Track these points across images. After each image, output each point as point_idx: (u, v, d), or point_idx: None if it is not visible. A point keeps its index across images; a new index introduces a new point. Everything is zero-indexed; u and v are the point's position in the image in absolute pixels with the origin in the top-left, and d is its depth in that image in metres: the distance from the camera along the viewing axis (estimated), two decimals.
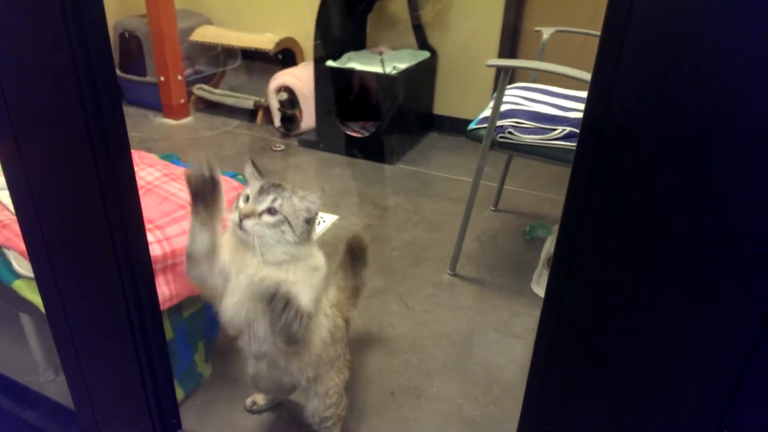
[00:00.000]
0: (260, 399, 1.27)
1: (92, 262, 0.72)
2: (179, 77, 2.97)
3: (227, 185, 1.43)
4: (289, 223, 0.88)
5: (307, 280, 0.91)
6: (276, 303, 0.81)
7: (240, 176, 1.52)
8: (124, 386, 0.82)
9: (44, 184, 0.70)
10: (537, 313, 1.58)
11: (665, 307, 0.49)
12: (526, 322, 1.57)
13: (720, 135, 0.42)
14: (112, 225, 0.67)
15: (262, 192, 0.89)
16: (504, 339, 1.50)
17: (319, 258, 0.97)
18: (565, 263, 0.53)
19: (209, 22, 3.24)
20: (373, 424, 1.24)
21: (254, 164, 0.96)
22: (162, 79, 2.94)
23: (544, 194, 2.31)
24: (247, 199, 0.90)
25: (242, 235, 0.86)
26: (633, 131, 0.45)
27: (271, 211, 0.87)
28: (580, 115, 1.61)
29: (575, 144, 1.64)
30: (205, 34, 3.10)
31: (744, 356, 0.48)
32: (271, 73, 3.08)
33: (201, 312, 1.34)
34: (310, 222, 0.92)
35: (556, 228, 2.02)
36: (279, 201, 0.88)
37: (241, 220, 0.86)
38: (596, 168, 0.48)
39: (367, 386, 1.34)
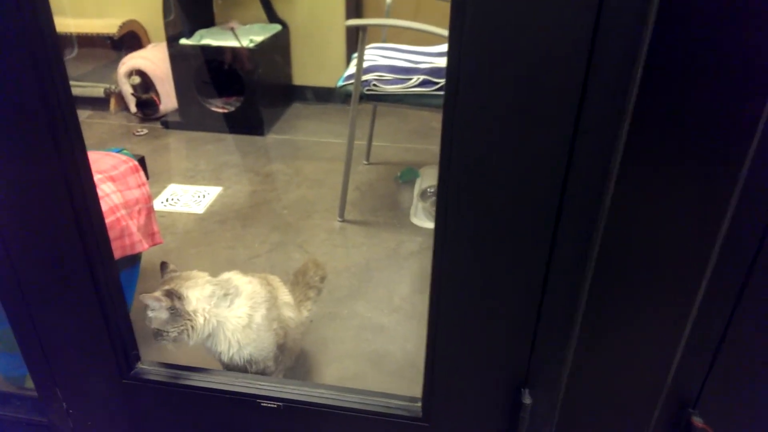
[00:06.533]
0: None
1: (47, 212, 0.80)
2: None
3: (116, 159, 1.47)
4: (163, 331, 0.99)
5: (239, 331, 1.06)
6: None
7: (125, 151, 1.56)
8: (82, 327, 0.90)
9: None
10: (418, 239, 1.86)
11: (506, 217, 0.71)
12: (410, 247, 1.82)
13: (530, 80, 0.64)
14: (67, 175, 0.76)
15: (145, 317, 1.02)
16: (394, 262, 1.74)
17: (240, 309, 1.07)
18: (445, 188, 0.69)
19: None
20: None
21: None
22: None
23: (407, 145, 2.58)
24: None
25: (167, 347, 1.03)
26: (480, 82, 0.62)
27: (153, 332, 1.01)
28: (429, 65, 1.87)
29: (429, 89, 1.92)
30: None
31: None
32: (114, 58, 2.98)
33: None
34: (173, 311, 0.99)
35: (423, 170, 2.31)
36: (148, 321, 1.00)
37: None
38: (458, 108, 0.63)
39: None
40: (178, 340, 1.00)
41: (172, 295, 0.98)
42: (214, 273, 1.72)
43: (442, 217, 0.72)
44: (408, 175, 2.29)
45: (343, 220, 1.97)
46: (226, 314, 1.04)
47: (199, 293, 1.02)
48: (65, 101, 0.76)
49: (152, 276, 1.67)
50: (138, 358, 0.96)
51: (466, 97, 0.63)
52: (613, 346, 0.76)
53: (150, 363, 0.96)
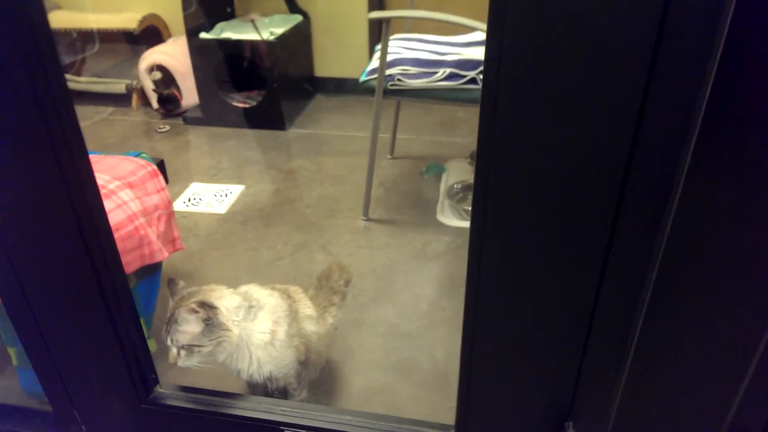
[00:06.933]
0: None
1: (52, 230, 0.75)
2: None
3: (134, 164, 1.43)
4: (196, 346, 0.93)
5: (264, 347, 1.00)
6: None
7: (144, 155, 1.52)
8: (96, 350, 0.86)
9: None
10: (445, 238, 1.79)
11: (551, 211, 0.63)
12: (436, 247, 1.75)
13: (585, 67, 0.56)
14: (69, 188, 0.71)
15: (166, 336, 0.95)
16: (422, 264, 1.68)
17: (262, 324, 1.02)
18: (483, 187, 0.62)
19: (58, 7, 2.99)
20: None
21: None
22: None
23: (432, 138, 2.50)
24: None
25: (192, 367, 0.95)
26: (524, 71, 0.54)
27: (180, 350, 0.93)
28: (456, 57, 1.79)
29: (456, 83, 1.82)
30: (56, 20, 2.87)
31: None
32: (136, 53, 2.95)
33: (134, 292, 1.36)
34: (209, 322, 0.94)
35: (449, 164, 2.23)
36: (176, 338, 0.93)
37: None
38: (498, 102, 0.56)
39: None
40: (213, 354, 0.95)
41: (205, 305, 0.93)
42: (238, 277, 1.69)
43: (478, 225, 0.64)
44: (433, 170, 2.21)
45: (368, 219, 1.91)
46: (252, 328, 0.99)
47: (228, 303, 0.97)
48: (61, 101, 0.69)
49: None
50: (156, 382, 0.92)
51: (509, 82, 0.55)
52: (670, 378, 0.68)
53: (169, 387, 0.92)
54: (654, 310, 0.64)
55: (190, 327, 0.92)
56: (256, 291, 1.05)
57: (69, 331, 0.86)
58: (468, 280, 0.69)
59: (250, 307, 1.01)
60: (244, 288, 1.06)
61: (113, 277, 0.81)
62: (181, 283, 1.02)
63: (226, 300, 0.98)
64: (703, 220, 0.56)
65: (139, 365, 0.88)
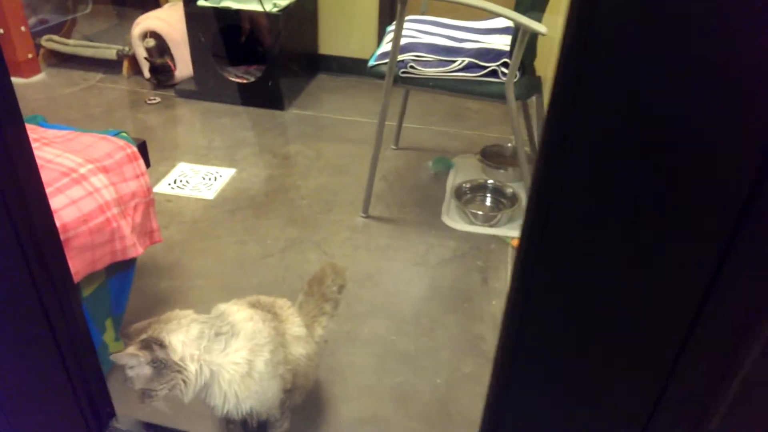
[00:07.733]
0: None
1: None
2: (22, 28, 2.55)
3: (112, 145, 1.27)
4: (151, 390, 0.81)
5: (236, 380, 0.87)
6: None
7: (124, 134, 1.36)
8: (41, 377, 0.72)
9: None
10: (450, 243, 1.64)
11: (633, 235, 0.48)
12: (440, 253, 1.61)
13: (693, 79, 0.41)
14: (9, 197, 0.56)
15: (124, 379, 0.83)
16: (424, 271, 1.54)
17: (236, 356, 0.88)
18: (543, 205, 0.48)
19: None
20: None
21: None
22: (1, 31, 2.51)
23: (441, 128, 2.34)
24: None
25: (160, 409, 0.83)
26: (612, 68, 0.40)
27: (140, 394, 0.81)
28: (475, 45, 1.62)
29: (475, 75, 1.63)
30: None
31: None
32: (130, 17, 2.75)
33: (103, 288, 1.21)
34: (156, 364, 0.80)
35: (457, 160, 2.08)
36: (130, 383, 0.80)
37: None
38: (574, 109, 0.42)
39: None
40: (170, 398, 0.81)
41: (151, 344, 0.78)
42: (222, 273, 1.54)
43: (530, 239, 0.49)
44: (440, 164, 2.06)
45: (367, 216, 1.76)
46: (220, 360, 0.84)
47: (184, 336, 0.82)
48: None
49: (150, 273, 1.50)
50: (112, 415, 0.78)
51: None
52: None
53: (127, 421, 0.78)
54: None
55: (137, 371, 0.79)
56: (235, 312, 0.90)
57: (8, 353, 0.71)
58: (507, 309, 0.54)
59: (218, 334, 0.86)
60: (222, 307, 0.91)
61: (60, 294, 0.67)
62: (135, 326, 0.86)
63: (183, 332, 0.83)
64: None
65: (90, 396, 0.74)
